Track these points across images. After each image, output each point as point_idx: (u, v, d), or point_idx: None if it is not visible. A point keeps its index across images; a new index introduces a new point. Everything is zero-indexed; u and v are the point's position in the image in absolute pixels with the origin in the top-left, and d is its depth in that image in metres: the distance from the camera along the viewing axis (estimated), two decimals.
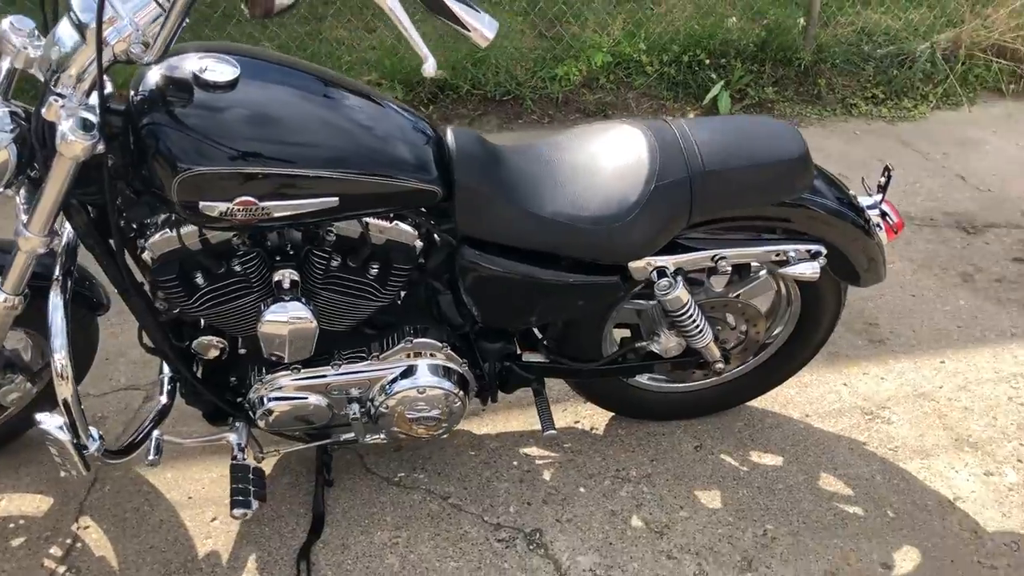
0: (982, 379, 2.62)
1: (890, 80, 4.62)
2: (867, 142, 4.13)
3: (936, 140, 4.15)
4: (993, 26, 4.80)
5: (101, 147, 1.49)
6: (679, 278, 1.90)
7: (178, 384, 1.97)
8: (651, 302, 2.10)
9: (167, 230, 1.68)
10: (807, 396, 2.52)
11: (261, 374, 1.91)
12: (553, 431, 2.05)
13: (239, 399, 1.97)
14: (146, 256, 1.71)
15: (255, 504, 1.85)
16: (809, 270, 1.93)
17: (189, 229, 1.66)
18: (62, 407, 1.68)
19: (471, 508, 2.12)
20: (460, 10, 1.18)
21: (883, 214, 2.05)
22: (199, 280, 1.72)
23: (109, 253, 1.71)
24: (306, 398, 1.91)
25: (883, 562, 2.03)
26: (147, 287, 1.80)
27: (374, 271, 1.78)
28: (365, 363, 1.92)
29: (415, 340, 1.91)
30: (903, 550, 2.06)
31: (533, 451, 2.29)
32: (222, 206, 1.55)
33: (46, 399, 1.98)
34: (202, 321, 1.90)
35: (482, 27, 1.20)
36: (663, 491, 2.19)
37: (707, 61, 4.43)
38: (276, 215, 1.59)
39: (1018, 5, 4.83)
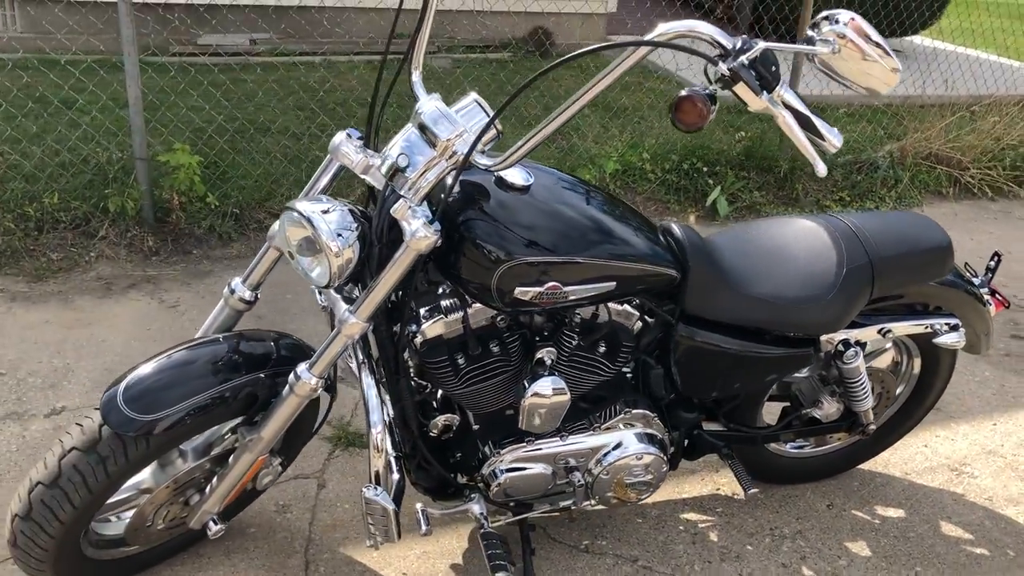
0: None
1: (854, 185, 5.22)
2: None
3: None
4: (932, 138, 5.50)
5: (439, 242, 1.68)
6: (860, 349, 2.21)
7: (404, 462, 2.11)
8: (804, 375, 2.40)
9: (442, 315, 1.87)
10: (900, 457, 2.84)
11: (495, 447, 2.07)
12: (755, 489, 2.27)
13: (462, 473, 2.12)
14: (417, 340, 1.89)
15: (511, 568, 1.99)
16: (956, 339, 2.28)
17: (472, 311, 1.86)
18: (374, 479, 1.80)
19: (661, 568, 2.30)
20: (820, 125, 1.49)
21: (992, 292, 2.43)
22: (461, 361, 1.90)
23: (391, 337, 1.88)
24: (535, 468, 2.09)
25: None
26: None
27: (602, 348, 2.01)
28: (588, 433, 2.12)
29: (633, 411, 2.12)
30: None
31: (691, 516, 2.50)
32: (534, 291, 1.76)
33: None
34: (436, 401, 2.07)
35: (832, 137, 1.51)
36: (818, 544, 2.44)
37: (704, 169, 4.89)
38: (571, 298, 1.81)
39: (948, 122, 5.57)
